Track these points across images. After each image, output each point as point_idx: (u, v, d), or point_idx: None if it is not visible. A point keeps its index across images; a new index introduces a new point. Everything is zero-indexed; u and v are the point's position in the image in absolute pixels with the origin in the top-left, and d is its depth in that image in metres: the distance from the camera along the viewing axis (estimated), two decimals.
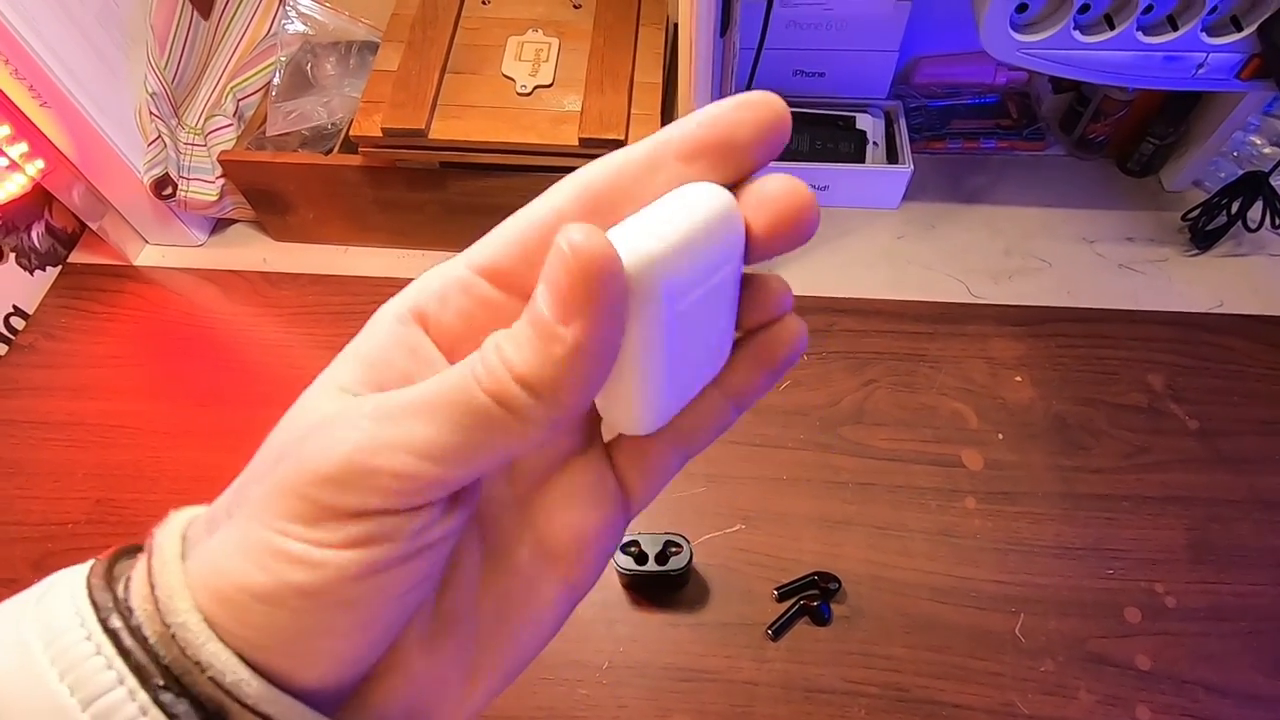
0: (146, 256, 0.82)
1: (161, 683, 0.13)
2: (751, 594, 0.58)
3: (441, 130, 0.65)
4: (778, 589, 0.57)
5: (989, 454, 0.64)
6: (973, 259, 0.76)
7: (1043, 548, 0.59)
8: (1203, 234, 0.74)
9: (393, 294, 0.16)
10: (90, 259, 0.81)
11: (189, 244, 0.82)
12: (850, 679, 0.54)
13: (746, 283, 0.16)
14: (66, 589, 0.14)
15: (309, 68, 0.76)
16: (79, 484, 0.66)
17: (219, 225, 0.84)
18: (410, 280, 0.16)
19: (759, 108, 0.14)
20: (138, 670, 0.13)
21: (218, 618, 0.13)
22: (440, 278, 0.16)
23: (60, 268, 0.81)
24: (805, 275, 0.75)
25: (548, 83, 0.67)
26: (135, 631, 0.13)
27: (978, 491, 0.62)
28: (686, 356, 0.15)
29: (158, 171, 0.73)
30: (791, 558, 0.59)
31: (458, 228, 0.75)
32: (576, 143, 0.64)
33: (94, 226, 0.78)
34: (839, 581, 0.57)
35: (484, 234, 0.15)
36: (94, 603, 0.13)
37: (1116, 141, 0.80)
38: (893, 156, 0.78)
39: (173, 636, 0.13)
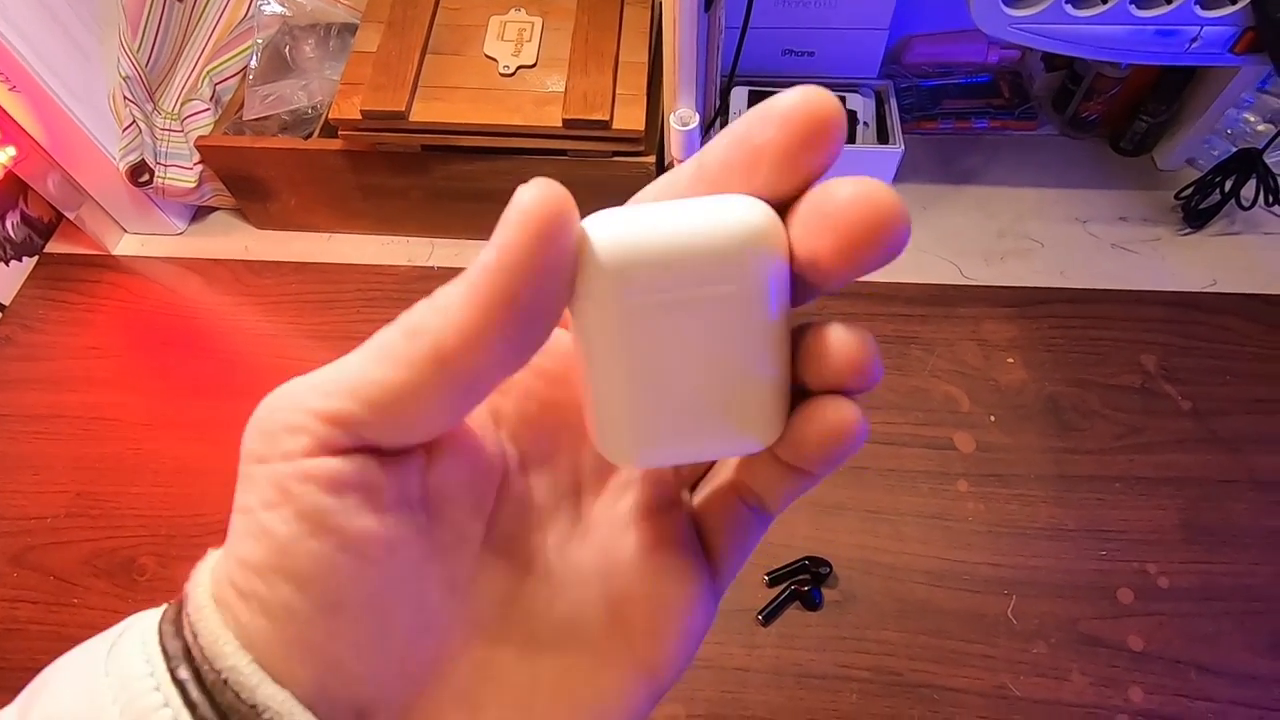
0: (125, 246, 0.80)
1: None
2: (741, 579, 0.57)
3: (422, 112, 0.63)
4: (768, 574, 0.57)
5: (981, 436, 0.63)
6: (965, 240, 0.75)
7: (1035, 530, 0.59)
8: (1196, 213, 0.73)
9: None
10: (68, 249, 0.80)
11: (169, 232, 0.80)
12: (842, 663, 0.54)
13: (801, 334, 0.14)
14: (139, 634, 0.14)
15: (287, 51, 0.75)
16: (58, 477, 0.65)
17: (199, 213, 0.82)
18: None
19: (790, 115, 0.12)
20: None
21: (238, 615, 0.13)
22: None
23: (37, 258, 0.79)
24: None
25: (531, 63, 0.66)
26: (202, 682, 0.13)
27: (970, 474, 0.61)
28: (675, 382, 0.14)
29: (134, 158, 0.72)
30: (782, 543, 0.58)
31: (443, 213, 0.74)
32: (560, 124, 0.62)
33: (70, 216, 0.77)
34: (830, 566, 0.57)
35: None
36: (165, 651, 0.13)
37: (1109, 120, 0.79)
38: (883, 137, 0.77)
39: (225, 682, 0.13)
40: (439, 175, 0.70)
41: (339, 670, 0.13)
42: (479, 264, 0.12)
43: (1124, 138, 0.78)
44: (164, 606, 0.14)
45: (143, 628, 0.14)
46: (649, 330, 0.13)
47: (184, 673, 0.13)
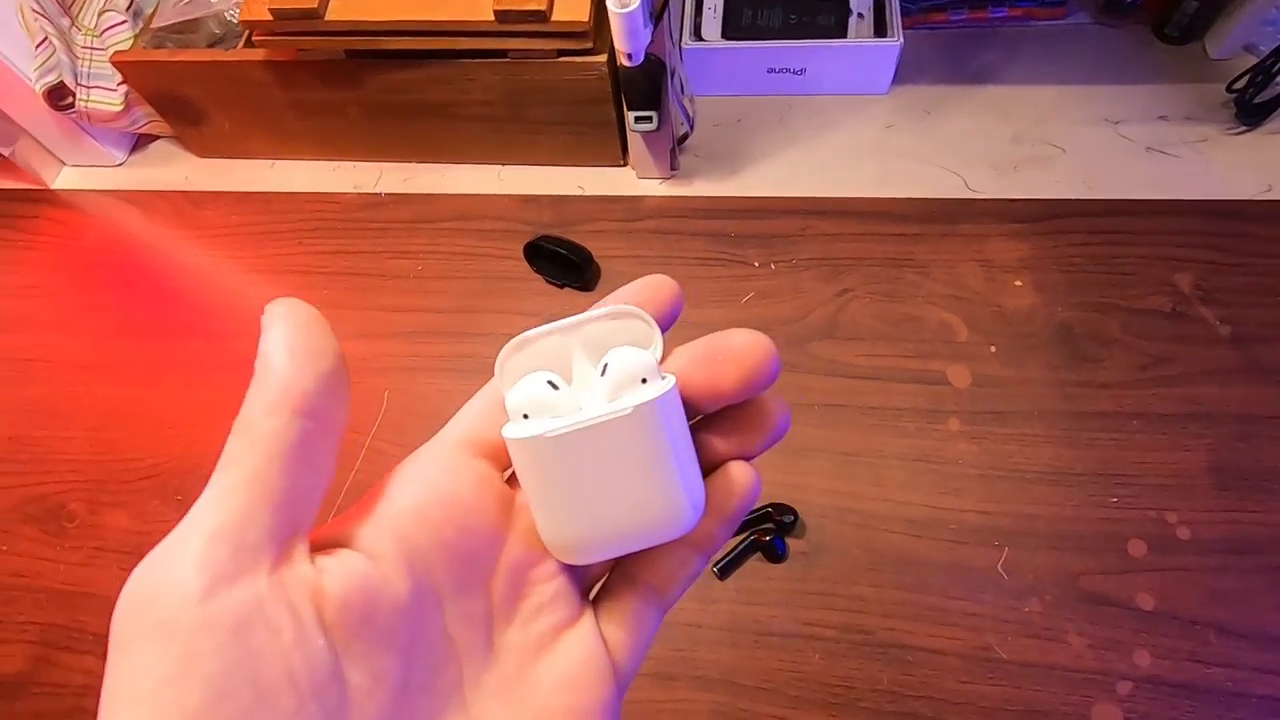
0: (65, 179, 0.76)
1: None
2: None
3: (340, 11, 0.56)
4: None
5: (978, 369, 0.56)
6: (974, 149, 0.66)
7: (1036, 474, 0.51)
8: (1251, 107, 0.62)
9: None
10: (4, 184, 0.76)
11: (108, 164, 0.76)
12: (806, 621, 0.48)
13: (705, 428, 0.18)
14: None
15: None
16: None
17: (139, 142, 0.77)
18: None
19: (657, 290, 0.17)
20: None
21: None
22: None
23: None
24: (780, 175, 0.66)
25: None
26: None
27: (963, 411, 0.54)
28: (596, 492, 0.16)
29: (51, 79, 0.66)
30: None
31: (386, 133, 0.67)
32: (492, 17, 0.54)
33: (5, 153, 0.72)
34: (795, 514, 0.51)
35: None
36: None
37: (1152, 3, 0.67)
38: (881, 29, 0.67)
39: None
40: (373, 87, 0.63)
41: None
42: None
43: (1169, 22, 0.67)
44: None
45: None
46: (563, 456, 0.16)
47: None
